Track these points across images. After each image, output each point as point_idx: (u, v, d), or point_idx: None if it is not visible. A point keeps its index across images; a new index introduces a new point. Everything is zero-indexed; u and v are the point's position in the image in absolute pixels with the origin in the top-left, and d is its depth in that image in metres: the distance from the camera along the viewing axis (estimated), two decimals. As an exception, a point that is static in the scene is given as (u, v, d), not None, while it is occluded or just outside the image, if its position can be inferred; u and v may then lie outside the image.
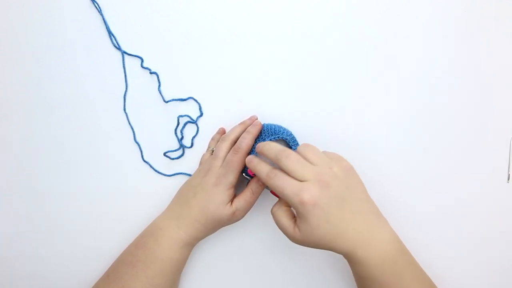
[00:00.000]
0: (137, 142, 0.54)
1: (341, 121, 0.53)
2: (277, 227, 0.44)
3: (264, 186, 0.49)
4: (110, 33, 0.53)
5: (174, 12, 0.53)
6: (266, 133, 0.49)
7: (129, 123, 0.54)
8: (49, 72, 0.54)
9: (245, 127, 0.51)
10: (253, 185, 0.49)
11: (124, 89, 0.54)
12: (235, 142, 0.50)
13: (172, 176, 0.54)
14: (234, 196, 0.49)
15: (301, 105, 0.53)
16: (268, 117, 0.53)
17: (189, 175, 0.54)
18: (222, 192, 0.47)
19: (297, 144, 0.50)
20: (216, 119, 0.54)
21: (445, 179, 0.52)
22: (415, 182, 0.53)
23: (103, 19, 0.53)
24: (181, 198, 0.50)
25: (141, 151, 0.54)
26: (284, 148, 0.43)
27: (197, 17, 0.53)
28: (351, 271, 0.46)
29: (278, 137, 0.49)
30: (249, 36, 0.53)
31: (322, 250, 0.43)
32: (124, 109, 0.54)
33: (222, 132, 0.53)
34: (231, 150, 0.48)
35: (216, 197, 0.47)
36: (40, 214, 0.54)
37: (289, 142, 0.49)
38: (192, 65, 0.53)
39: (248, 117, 0.52)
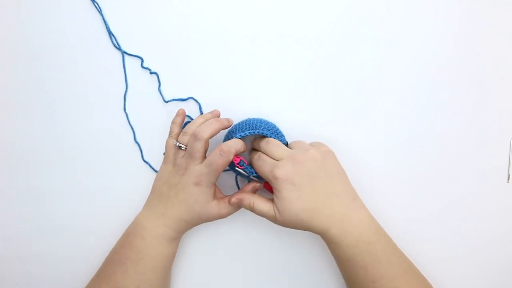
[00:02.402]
0: (137, 142, 0.54)
1: (340, 121, 0.53)
2: (260, 216, 0.46)
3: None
4: (110, 33, 0.53)
5: (174, 12, 0.53)
6: (246, 127, 0.49)
7: (129, 123, 0.54)
8: (49, 72, 0.54)
9: (220, 123, 0.48)
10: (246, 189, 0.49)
11: (124, 89, 0.54)
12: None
13: (172, 176, 0.54)
14: (218, 192, 0.50)
15: (300, 104, 0.53)
16: (267, 117, 0.53)
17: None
18: (205, 191, 0.46)
19: (282, 136, 0.50)
20: (216, 119, 0.54)
21: (445, 179, 0.52)
22: (415, 182, 0.53)
23: (103, 19, 0.53)
24: (162, 197, 0.49)
25: (141, 151, 0.54)
26: (267, 139, 0.48)
27: (197, 17, 0.53)
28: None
29: (259, 132, 0.48)
30: (249, 36, 0.53)
31: (317, 240, 0.43)
32: (124, 109, 0.54)
33: (182, 114, 0.51)
34: (217, 151, 0.45)
35: (199, 197, 0.46)
36: (40, 214, 0.54)
37: (270, 136, 0.48)
38: (192, 65, 0.53)
39: (249, 115, 0.52)
